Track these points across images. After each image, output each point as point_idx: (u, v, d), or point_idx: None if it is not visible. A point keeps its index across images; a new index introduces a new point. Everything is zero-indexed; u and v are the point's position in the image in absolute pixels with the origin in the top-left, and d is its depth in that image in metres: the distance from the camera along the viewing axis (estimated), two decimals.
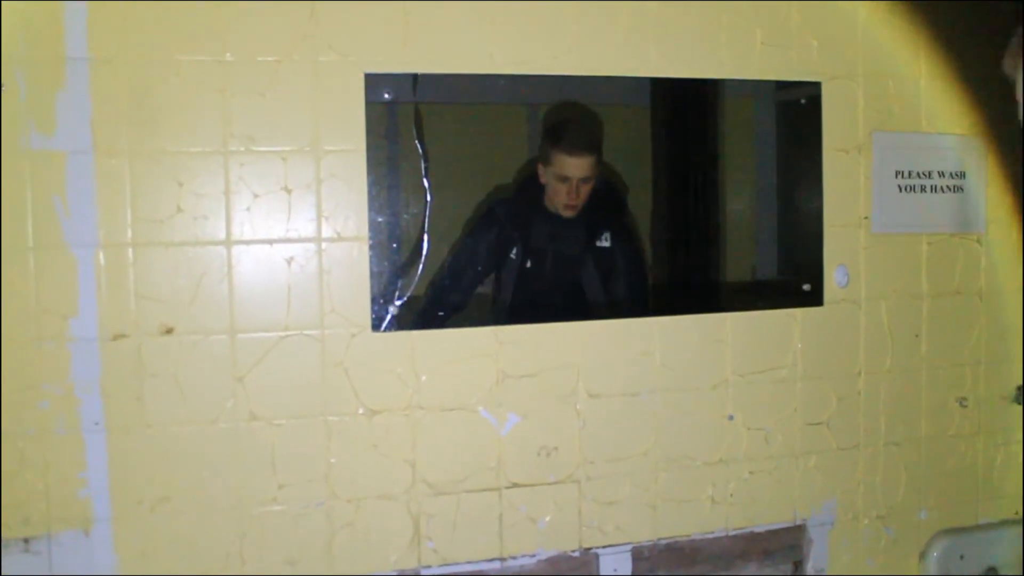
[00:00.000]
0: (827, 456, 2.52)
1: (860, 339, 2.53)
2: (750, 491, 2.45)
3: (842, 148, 2.48)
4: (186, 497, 2.06)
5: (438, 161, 2.24)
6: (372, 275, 2.13)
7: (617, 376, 2.32)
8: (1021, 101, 1.52)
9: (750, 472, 2.45)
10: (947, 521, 2.66)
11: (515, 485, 2.26)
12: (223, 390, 2.06)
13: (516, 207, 2.48)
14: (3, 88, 1.91)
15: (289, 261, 2.09)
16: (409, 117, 2.21)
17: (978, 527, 2.69)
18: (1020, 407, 2.69)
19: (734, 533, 2.46)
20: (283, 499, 2.11)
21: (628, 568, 2.37)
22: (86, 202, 1.96)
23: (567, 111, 2.42)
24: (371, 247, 2.13)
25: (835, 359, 2.51)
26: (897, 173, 2.53)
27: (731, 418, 2.42)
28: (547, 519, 2.29)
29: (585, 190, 2.40)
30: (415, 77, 2.15)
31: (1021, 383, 2.69)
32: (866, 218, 2.51)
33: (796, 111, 2.51)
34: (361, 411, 2.14)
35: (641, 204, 2.66)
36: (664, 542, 2.40)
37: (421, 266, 2.22)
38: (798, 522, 2.51)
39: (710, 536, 2.44)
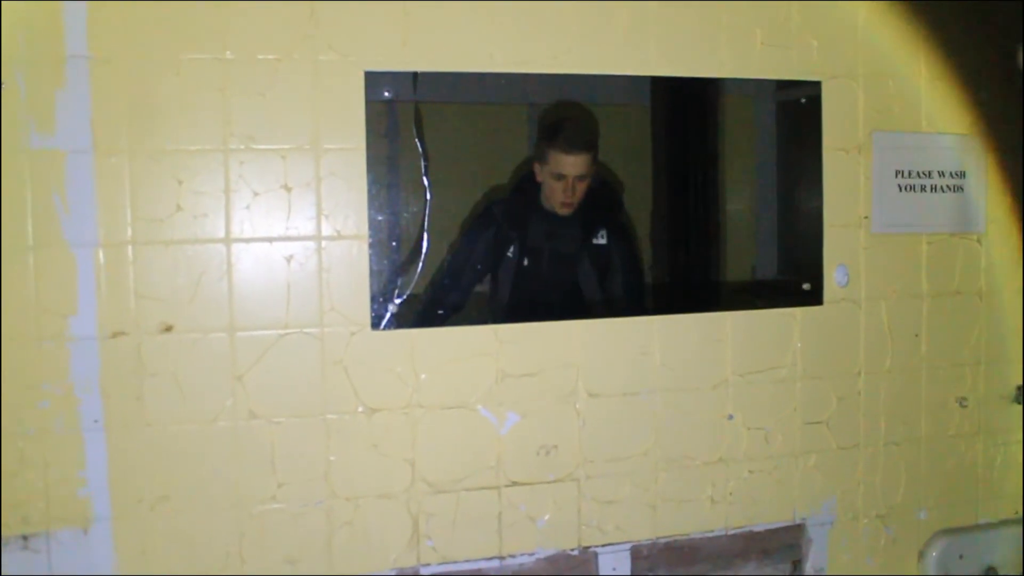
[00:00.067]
0: (827, 456, 2.51)
1: (860, 339, 2.53)
2: (750, 490, 2.45)
3: (842, 148, 2.48)
4: (185, 496, 2.06)
5: (438, 160, 2.24)
6: (372, 273, 2.13)
7: (617, 375, 2.32)
8: None
9: (750, 471, 2.45)
10: (947, 521, 2.66)
11: (514, 484, 2.26)
12: (222, 388, 2.06)
13: (513, 206, 2.49)
14: (3, 87, 1.91)
15: (289, 259, 2.09)
16: (409, 116, 2.21)
17: (977, 527, 2.69)
18: (1020, 407, 2.69)
19: (733, 532, 2.46)
20: (282, 498, 2.11)
21: (627, 567, 2.37)
22: (86, 201, 1.96)
23: (563, 110, 2.43)
24: (371, 245, 2.13)
25: (835, 359, 2.51)
26: (897, 173, 2.53)
27: (731, 417, 2.42)
28: (546, 518, 2.29)
29: (581, 188, 2.40)
30: (415, 75, 2.15)
31: (1021, 383, 2.69)
32: (866, 218, 2.51)
33: (796, 110, 2.51)
34: (360, 409, 2.14)
35: (641, 203, 2.66)
36: (663, 541, 2.40)
37: (421, 264, 2.22)
38: (797, 521, 2.51)
39: (709, 535, 2.44)
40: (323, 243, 2.11)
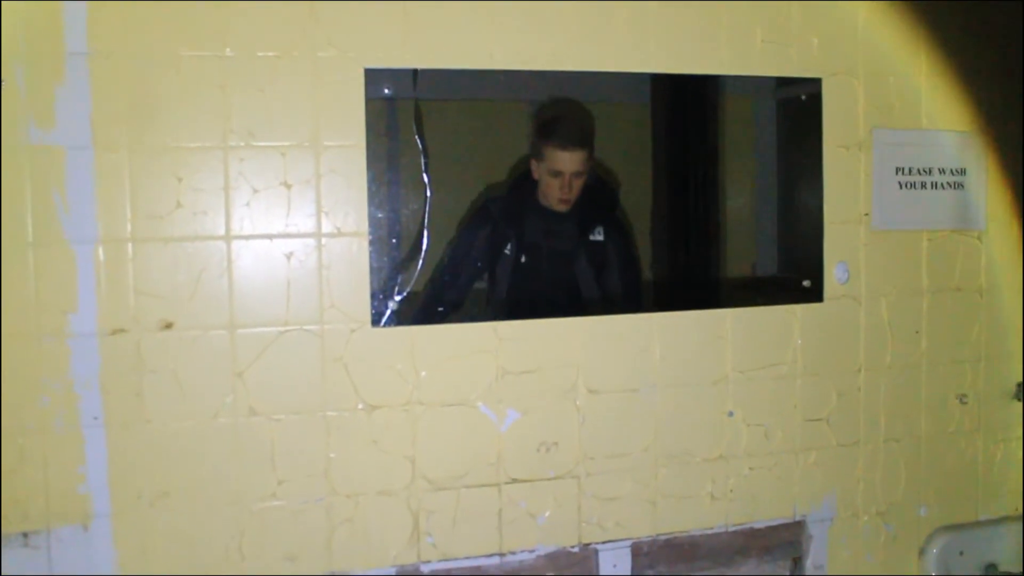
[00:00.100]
0: (827, 452, 2.51)
1: (860, 335, 2.53)
2: (750, 487, 2.45)
3: (842, 145, 2.48)
4: (185, 492, 2.06)
5: (438, 157, 2.24)
6: (372, 270, 2.13)
7: (617, 372, 2.32)
8: None
9: (750, 468, 2.45)
10: (947, 517, 2.66)
11: (515, 481, 2.26)
12: (222, 385, 2.06)
13: (510, 203, 2.49)
14: (2, 83, 1.91)
15: (289, 256, 2.09)
16: (409, 113, 2.21)
17: (978, 523, 2.69)
18: (1020, 404, 2.69)
19: (734, 529, 2.46)
20: (282, 495, 2.11)
21: (627, 564, 2.37)
22: (85, 197, 1.96)
23: (559, 107, 2.43)
24: (371, 242, 2.13)
25: (835, 355, 2.51)
26: (897, 170, 2.53)
27: (731, 414, 2.42)
28: (546, 515, 2.29)
29: (578, 184, 2.41)
30: (415, 73, 2.15)
31: (1021, 380, 2.69)
32: (866, 215, 2.51)
33: (796, 108, 2.51)
34: (361, 406, 2.14)
35: (641, 201, 2.66)
36: (663, 538, 2.40)
37: (421, 261, 2.22)
38: (798, 518, 2.51)
39: (710, 532, 2.44)
40: (323, 240, 2.10)
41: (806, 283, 2.49)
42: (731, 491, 2.44)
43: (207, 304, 2.04)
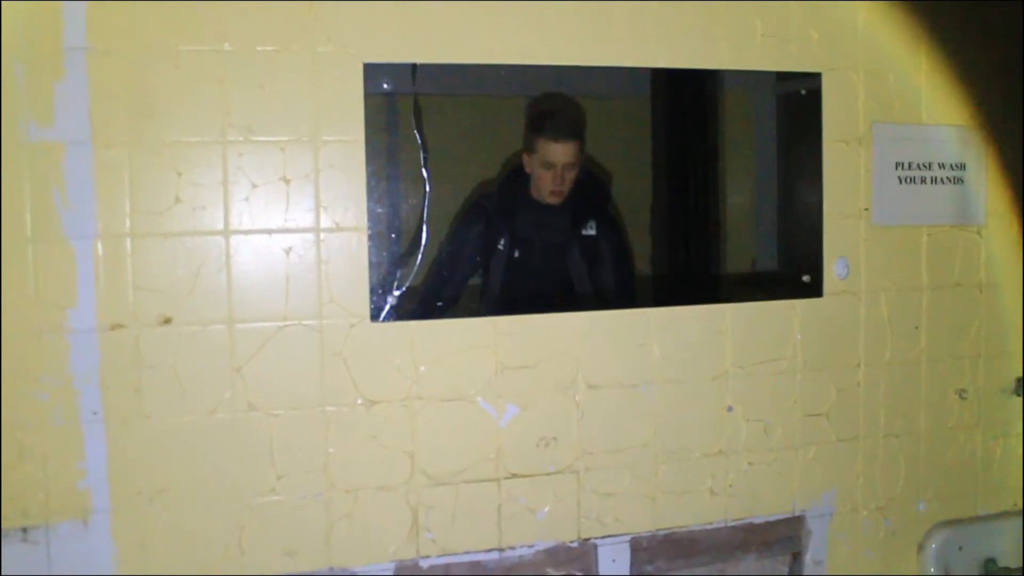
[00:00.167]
0: (826, 448, 2.51)
1: (860, 331, 2.53)
2: (749, 482, 2.45)
3: (842, 140, 2.48)
4: (184, 488, 2.06)
5: (437, 152, 2.24)
6: (371, 265, 2.13)
7: (616, 367, 2.32)
8: None
9: (749, 463, 2.45)
10: (946, 513, 2.66)
11: (514, 476, 2.27)
12: (221, 381, 2.06)
13: (502, 198, 2.50)
14: (1, 79, 1.90)
15: (288, 251, 2.09)
16: (408, 108, 2.21)
17: (977, 519, 2.69)
18: (1019, 399, 2.69)
19: (733, 524, 2.46)
20: (282, 490, 2.11)
21: (627, 559, 2.37)
22: (84, 193, 1.96)
23: (550, 101, 2.43)
24: (370, 237, 2.13)
25: (835, 351, 2.51)
26: (897, 165, 2.53)
27: (730, 409, 2.42)
28: (546, 510, 2.29)
29: (570, 177, 2.42)
30: (414, 67, 2.15)
31: (1020, 375, 2.69)
32: (866, 210, 2.51)
33: (796, 103, 2.50)
34: (360, 401, 2.14)
35: (641, 196, 2.66)
36: (663, 533, 2.40)
37: (420, 256, 2.22)
38: (797, 513, 2.51)
39: (709, 527, 2.44)
40: (322, 235, 2.10)
41: (806, 278, 2.48)
42: (730, 486, 2.44)
43: (206, 299, 2.04)
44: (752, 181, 2.70)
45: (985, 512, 2.70)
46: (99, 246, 1.97)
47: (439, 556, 2.23)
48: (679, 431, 2.39)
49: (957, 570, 2.63)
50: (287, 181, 2.07)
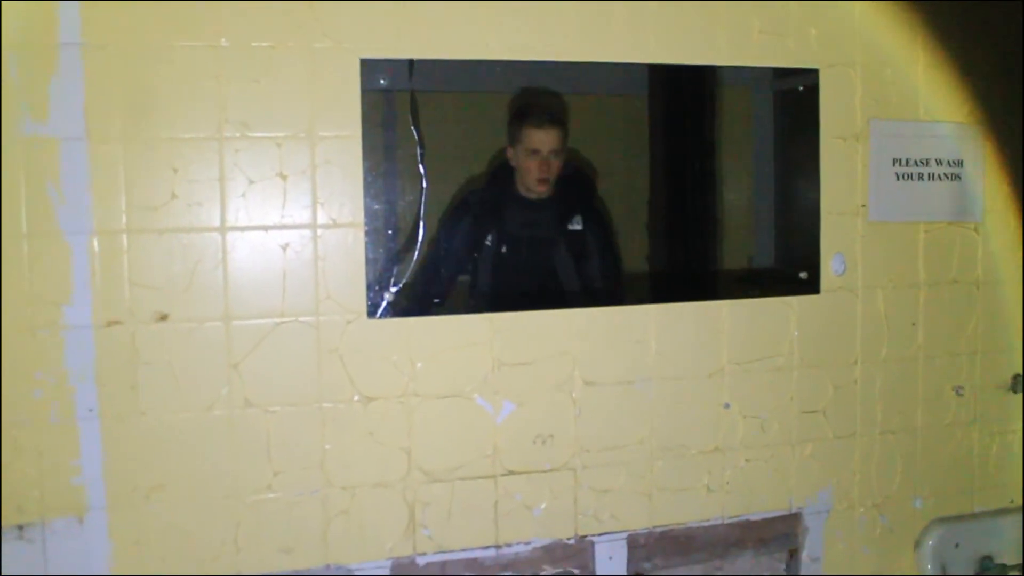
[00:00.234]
0: (823, 444, 2.51)
1: (857, 327, 2.53)
2: (746, 479, 2.45)
3: (840, 136, 2.47)
4: (181, 485, 2.05)
5: (434, 148, 2.23)
6: (368, 261, 2.12)
7: (613, 364, 2.32)
8: None
9: (746, 460, 2.45)
10: (943, 510, 2.66)
11: (511, 473, 2.26)
12: (218, 377, 2.05)
13: (489, 194, 2.52)
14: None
15: (284, 247, 2.08)
16: (405, 103, 2.20)
17: (973, 516, 2.69)
18: (1016, 396, 2.69)
19: (730, 521, 2.46)
20: (278, 486, 2.11)
21: (623, 556, 2.37)
22: (80, 189, 1.95)
23: (530, 95, 2.44)
24: (367, 233, 2.12)
25: (832, 347, 2.51)
26: (895, 161, 2.53)
27: (727, 406, 2.42)
28: (542, 507, 2.29)
29: (556, 165, 2.42)
30: (411, 63, 2.14)
31: (1017, 372, 2.69)
32: (863, 206, 2.50)
33: (794, 99, 2.50)
34: (356, 398, 2.14)
35: (638, 192, 2.66)
36: (660, 530, 2.40)
37: (417, 253, 2.21)
38: (794, 510, 2.51)
39: (706, 524, 2.44)
40: (319, 231, 2.10)
41: (803, 275, 2.48)
42: (727, 483, 2.44)
43: (202, 296, 2.04)
44: (749, 178, 2.70)
45: (982, 509, 2.70)
46: (95, 242, 1.97)
47: (436, 553, 2.23)
48: (676, 428, 2.38)
49: (954, 567, 2.64)
50: (284, 177, 2.07)
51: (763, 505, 2.48)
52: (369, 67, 2.10)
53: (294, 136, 2.07)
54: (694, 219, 2.65)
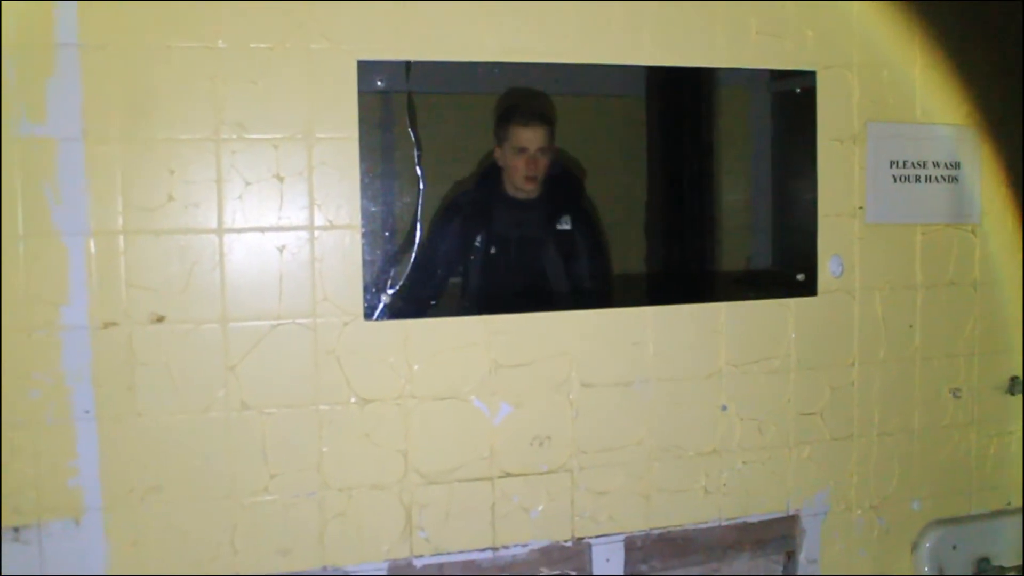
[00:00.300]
0: (820, 446, 2.51)
1: (854, 329, 2.53)
2: (743, 481, 2.45)
3: (837, 138, 2.48)
4: (177, 486, 2.05)
5: (431, 149, 2.23)
6: (365, 263, 2.12)
7: (610, 366, 2.32)
8: None
9: (743, 462, 2.45)
10: (940, 511, 2.66)
11: (508, 475, 2.26)
12: (215, 379, 2.05)
13: (477, 195, 2.50)
14: None
15: (281, 249, 2.08)
16: (402, 105, 2.20)
17: (971, 517, 2.69)
18: (1013, 398, 2.69)
19: (727, 523, 2.46)
20: (275, 488, 2.11)
21: (621, 558, 2.37)
22: (77, 190, 1.95)
23: (515, 95, 2.43)
24: (363, 235, 2.12)
25: (829, 349, 2.50)
26: (892, 163, 2.53)
27: (724, 408, 2.42)
28: (540, 509, 2.29)
29: (543, 163, 2.41)
30: (408, 65, 2.14)
31: (1017, 374, 2.69)
32: (860, 208, 2.51)
33: (791, 101, 2.50)
34: (353, 400, 2.14)
35: (636, 194, 2.65)
36: (657, 532, 2.40)
37: (414, 255, 2.21)
38: (791, 512, 2.51)
39: (703, 526, 2.44)
40: (316, 233, 2.10)
41: (800, 277, 2.48)
42: (724, 485, 2.44)
43: (199, 297, 2.04)
44: (747, 179, 2.70)
45: (979, 511, 2.71)
46: (91, 243, 1.96)
47: (433, 555, 2.22)
48: (673, 430, 2.38)
49: (951, 569, 2.64)
50: (281, 179, 2.07)
51: (760, 507, 2.48)
52: (366, 69, 2.10)
53: (291, 138, 2.07)
54: (691, 221, 2.65)
